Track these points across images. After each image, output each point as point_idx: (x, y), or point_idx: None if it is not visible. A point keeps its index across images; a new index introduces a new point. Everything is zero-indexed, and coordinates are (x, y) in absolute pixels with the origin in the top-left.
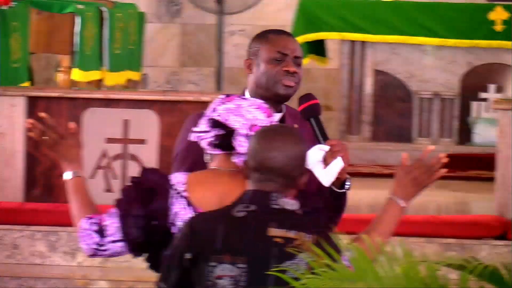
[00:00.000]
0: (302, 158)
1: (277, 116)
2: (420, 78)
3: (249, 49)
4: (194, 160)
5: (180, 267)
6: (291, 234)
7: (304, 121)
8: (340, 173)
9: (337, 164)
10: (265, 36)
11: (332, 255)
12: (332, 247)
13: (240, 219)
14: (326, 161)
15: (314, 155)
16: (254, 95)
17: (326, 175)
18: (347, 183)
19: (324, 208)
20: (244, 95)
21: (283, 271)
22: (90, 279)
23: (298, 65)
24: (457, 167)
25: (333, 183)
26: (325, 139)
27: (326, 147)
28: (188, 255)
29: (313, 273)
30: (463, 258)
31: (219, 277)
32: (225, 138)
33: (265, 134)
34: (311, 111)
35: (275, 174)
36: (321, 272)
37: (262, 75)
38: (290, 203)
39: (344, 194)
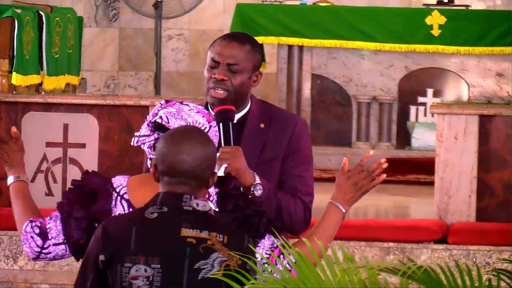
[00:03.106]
0: (212, 159)
1: (238, 115)
2: (358, 83)
3: None
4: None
5: (95, 270)
6: (203, 234)
7: (274, 121)
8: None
9: (220, 172)
10: (215, 40)
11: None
12: (243, 250)
13: (153, 220)
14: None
15: None
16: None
17: None
18: (252, 188)
19: (265, 212)
20: None
21: (197, 271)
22: (32, 282)
23: (234, 72)
24: (396, 171)
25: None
26: (227, 145)
27: None
28: (102, 257)
29: (255, 279)
30: (402, 262)
31: (134, 278)
32: None
33: (172, 138)
34: (223, 115)
35: (186, 177)
36: (265, 278)
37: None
38: (201, 204)
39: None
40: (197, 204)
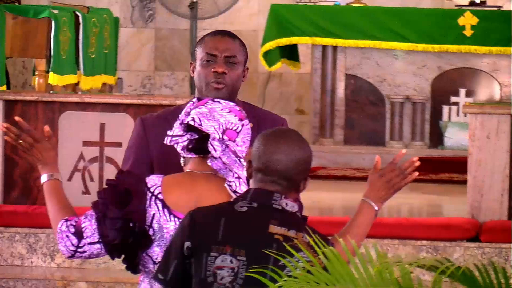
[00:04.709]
0: (307, 163)
1: None
2: (391, 83)
3: (193, 52)
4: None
5: (179, 257)
6: (291, 233)
7: (261, 122)
8: None
9: None
10: (202, 38)
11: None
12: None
13: (242, 213)
14: None
15: None
16: (199, 96)
17: None
18: None
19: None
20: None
21: (281, 268)
22: (69, 280)
23: (232, 63)
24: (429, 170)
25: None
26: None
27: None
28: (188, 244)
29: (289, 276)
30: (436, 259)
31: (219, 268)
32: (199, 142)
33: (271, 137)
34: None
35: (279, 177)
36: (298, 275)
37: (197, 78)
38: (290, 205)
39: None
40: (286, 204)
